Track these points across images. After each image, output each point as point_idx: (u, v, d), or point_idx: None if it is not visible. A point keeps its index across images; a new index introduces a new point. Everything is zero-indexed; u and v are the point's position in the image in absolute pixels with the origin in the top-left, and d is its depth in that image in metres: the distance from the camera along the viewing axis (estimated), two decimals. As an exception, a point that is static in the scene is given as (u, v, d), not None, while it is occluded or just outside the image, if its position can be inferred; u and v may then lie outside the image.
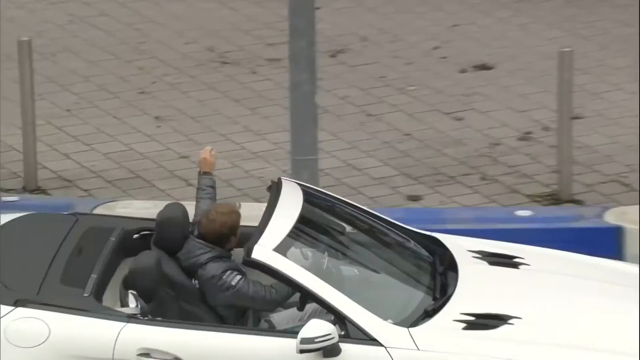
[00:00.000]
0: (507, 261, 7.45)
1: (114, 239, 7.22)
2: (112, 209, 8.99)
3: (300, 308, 6.83)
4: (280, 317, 6.99)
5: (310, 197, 7.25)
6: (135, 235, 7.38)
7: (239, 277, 6.85)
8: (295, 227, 6.91)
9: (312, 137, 9.27)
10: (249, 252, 6.62)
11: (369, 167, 11.06)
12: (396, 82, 12.56)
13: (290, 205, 7.03)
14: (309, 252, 7.01)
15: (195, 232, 7.08)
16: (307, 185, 7.66)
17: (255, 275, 6.86)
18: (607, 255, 8.22)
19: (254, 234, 6.75)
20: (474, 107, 12.00)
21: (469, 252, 7.40)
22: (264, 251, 6.63)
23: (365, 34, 13.61)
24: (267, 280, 6.84)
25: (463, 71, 12.68)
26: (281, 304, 6.94)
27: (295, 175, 8.97)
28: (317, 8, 9.53)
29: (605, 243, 8.80)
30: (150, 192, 10.58)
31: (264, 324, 6.96)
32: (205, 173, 7.51)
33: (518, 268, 7.39)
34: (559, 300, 7.12)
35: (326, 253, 7.04)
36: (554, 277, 7.41)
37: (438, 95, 12.27)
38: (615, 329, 6.84)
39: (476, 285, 7.04)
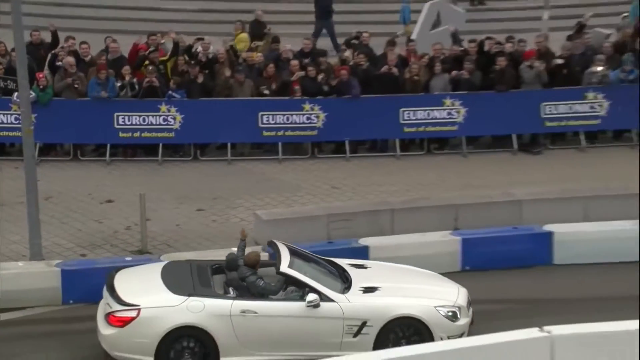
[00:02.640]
0: (362, 266, 12.03)
1: (209, 268, 11.50)
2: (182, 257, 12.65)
3: (299, 292, 11.07)
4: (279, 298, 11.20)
5: (290, 247, 11.68)
6: (215, 266, 11.56)
7: (262, 281, 11.15)
8: (290, 258, 11.42)
9: None
10: (278, 268, 11.16)
11: None
12: None
13: (284, 251, 11.52)
14: (300, 267, 11.30)
15: (241, 262, 11.32)
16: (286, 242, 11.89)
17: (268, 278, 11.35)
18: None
19: (277, 262, 11.30)
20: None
21: (346, 264, 11.90)
22: (284, 267, 11.22)
23: None
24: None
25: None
26: (276, 292, 11.10)
27: None
28: None
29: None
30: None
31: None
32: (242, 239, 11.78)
33: (367, 269, 11.99)
34: (393, 279, 11.84)
35: (305, 268, 11.34)
36: (386, 272, 12.10)
37: None
38: (427, 290, 11.55)
39: (357, 276, 11.59)
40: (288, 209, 14.58)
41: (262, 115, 16.60)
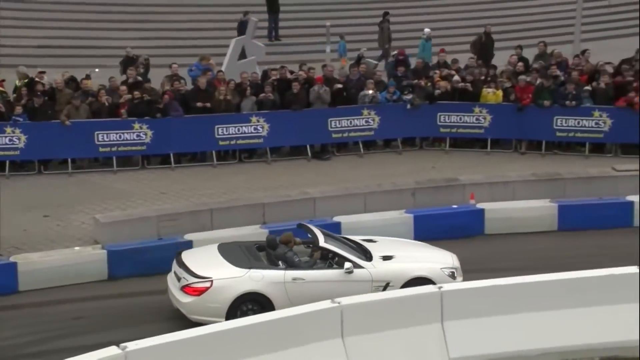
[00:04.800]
0: (372, 240, 12.29)
1: (254, 247, 11.83)
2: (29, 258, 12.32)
3: (338, 263, 11.55)
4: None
5: (319, 228, 12.09)
6: (257, 245, 11.92)
7: (296, 257, 11.60)
8: (324, 236, 11.87)
9: None
10: (317, 243, 11.69)
11: None
12: None
13: (317, 231, 11.93)
14: (332, 242, 11.82)
15: (278, 241, 11.71)
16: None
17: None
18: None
19: (314, 240, 11.76)
20: None
21: (360, 239, 12.21)
22: (322, 243, 11.68)
23: None
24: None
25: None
26: (311, 265, 11.58)
27: None
28: None
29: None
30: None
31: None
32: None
33: (377, 242, 12.27)
34: (401, 249, 12.18)
35: (335, 243, 11.83)
36: (392, 243, 12.41)
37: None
38: (430, 256, 12.07)
39: (373, 248, 11.96)
40: (122, 212, 14.24)
41: (98, 134, 16.19)
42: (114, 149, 16.37)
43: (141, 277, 12.50)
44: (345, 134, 17.36)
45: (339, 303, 9.60)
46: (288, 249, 11.64)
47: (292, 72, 17.73)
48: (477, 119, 17.34)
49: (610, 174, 15.64)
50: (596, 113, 16.84)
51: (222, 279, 11.16)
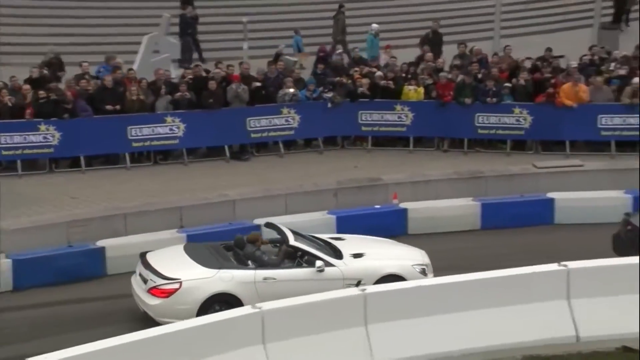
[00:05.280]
0: (340, 238, 12.57)
1: (221, 247, 11.92)
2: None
3: (308, 262, 11.67)
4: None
5: (287, 227, 12.19)
6: (225, 245, 12.01)
7: (265, 256, 11.66)
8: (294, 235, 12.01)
9: None
10: (287, 242, 11.80)
11: None
12: None
13: (285, 229, 12.07)
14: (302, 241, 11.98)
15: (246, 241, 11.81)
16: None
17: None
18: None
19: (284, 238, 11.90)
20: None
21: (328, 238, 12.50)
22: (292, 242, 11.81)
23: None
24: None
25: None
26: (278, 264, 11.64)
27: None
28: None
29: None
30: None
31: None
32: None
33: (345, 240, 12.49)
34: (370, 247, 12.35)
35: (305, 241, 11.99)
36: (361, 241, 12.61)
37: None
38: (400, 253, 12.29)
39: (342, 246, 12.16)
40: (29, 219, 13.81)
41: (0, 136, 15.67)
42: (19, 151, 15.85)
43: (49, 286, 12.15)
44: (265, 134, 17.27)
45: (259, 308, 9.53)
46: (256, 248, 11.70)
47: (207, 72, 17.54)
48: (399, 117, 17.50)
49: (531, 171, 16.01)
50: (516, 110, 17.21)
51: (192, 280, 11.14)
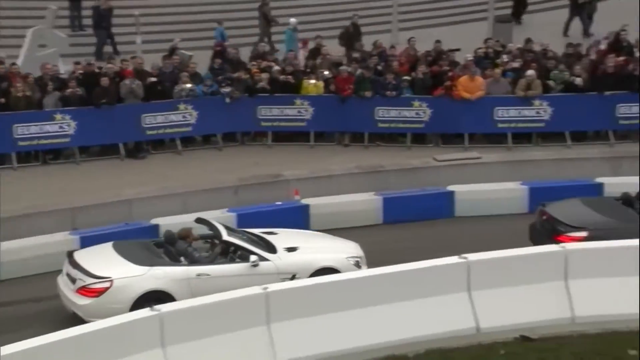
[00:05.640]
0: (273, 232, 12.59)
1: (151, 243, 12.01)
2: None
3: (241, 257, 11.73)
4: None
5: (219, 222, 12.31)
6: (155, 242, 12.14)
7: (197, 252, 11.69)
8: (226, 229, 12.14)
9: None
10: (220, 237, 11.90)
11: None
12: None
13: (217, 224, 12.20)
14: (235, 236, 12.06)
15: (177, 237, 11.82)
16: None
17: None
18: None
19: (217, 234, 11.98)
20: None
21: (260, 232, 12.53)
22: (226, 236, 11.90)
23: None
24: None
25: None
26: (212, 260, 11.70)
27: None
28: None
29: None
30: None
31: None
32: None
33: (278, 234, 12.56)
34: (304, 240, 12.53)
35: (238, 236, 12.09)
36: (294, 235, 12.76)
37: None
38: (334, 246, 12.47)
39: (276, 241, 12.29)
40: None
41: None
42: None
43: None
44: (161, 131, 17.04)
45: (158, 311, 9.43)
46: (188, 244, 11.70)
47: (100, 68, 17.19)
48: (298, 112, 17.57)
49: (432, 164, 16.36)
50: (416, 103, 17.54)
51: (123, 278, 11.05)
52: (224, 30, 21.13)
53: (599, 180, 15.21)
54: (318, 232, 13.30)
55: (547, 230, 12.64)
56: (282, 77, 17.59)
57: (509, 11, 23.93)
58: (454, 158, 16.46)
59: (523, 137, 17.60)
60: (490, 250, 10.83)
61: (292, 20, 20.98)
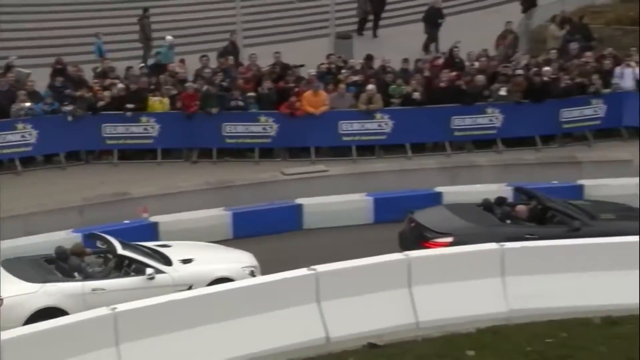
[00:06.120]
0: (166, 245, 12.73)
1: (42, 260, 11.79)
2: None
3: (136, 270, 11.69)
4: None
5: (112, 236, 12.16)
6: (45, 258, 11.83)
7: (90, 267, 11.60)
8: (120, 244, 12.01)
9: None
10: (115, 251, 11.76)
11: None
12: None
13: (111, 238, 12.03)
14: (129, 249, 11.97)
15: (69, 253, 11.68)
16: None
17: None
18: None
19: (111, 248, 11.84)
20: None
21: (153, 245, 12.57)
22: (121, 250, 11.87)
23: None
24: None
25: None
26: (106, 276, 11.60)
27: None
28: None
29: None
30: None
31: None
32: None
33: (172, 247, 12.62)
34: (198, 252, 12.58)
35: (132, 249, 12.02)
36: (187, 247, 12.77)
37: None
38: (228, 256, 12.62)
39: (170, 253, 12.24)
40: None
41: None
42: None
43: None
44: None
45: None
46: (81, 260, 11.44)
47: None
48: (145, 129, 17.23)
49: (280, 178, 16.44)
50: (262, 118, 17.60)
51: (13, 297, 10.61)
52: (102, 44, 20.58)
53: (438, 189, 15.74)
54: (212, 244, 13.35)
55: (415, 237, 12.99)
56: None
57: (349, 28, 24.48)
58: (302, 172, 16.62)
59: (367, 149, 18.00)
60: (338, 261, 10.96)
61: (169, 37, 20.75)
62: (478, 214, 13.36)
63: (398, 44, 22.91)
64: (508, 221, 13.18)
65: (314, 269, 10.78)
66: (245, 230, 14.88)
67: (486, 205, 13.59)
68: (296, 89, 17.91)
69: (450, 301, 10.85)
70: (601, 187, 15.24)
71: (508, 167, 16.78)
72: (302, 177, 16.45)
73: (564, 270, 11.18)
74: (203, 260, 12.24)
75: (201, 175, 16.65)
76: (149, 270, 11.64)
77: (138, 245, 12.41)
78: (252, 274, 12.19)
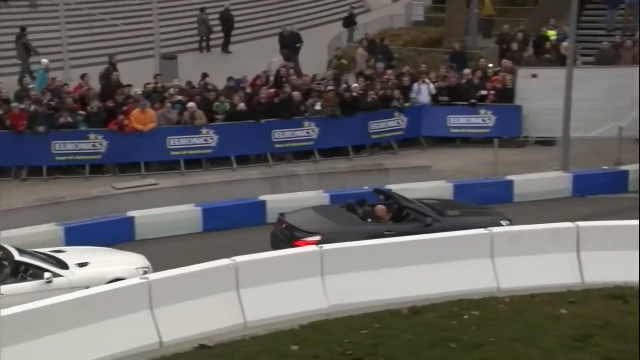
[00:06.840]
0: (61, 250, 12.74)
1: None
2: None
3: (33, 275, 11.77)
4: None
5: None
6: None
7: None
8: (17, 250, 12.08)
9: None
10: (12, 258, 11.77)
11: None
12: None
13: (7, 245, 11.97)
14: (26, 255, 12.06)
15: None
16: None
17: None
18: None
19: (8, 255, 11.72)
20: None
21: (48, 251, 12.69)
22: (18, 257, 11.88)
23: None
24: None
25: None
26: (1, 282, 11.46)
27: None
28: None
29: None
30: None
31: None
32: None
33: (66, 252, 12.81)
34: (93, 255, 12.85)
35: (29, 255, 12.12)
36: (81, 252, 13.00)
37: None
38: (122, 259, 12.84)
39: (66, 257, 12.40)
40: None
41: None
42: None
43: None
44: None
45: None
46: None
47: None
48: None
49: (111, 193, 16.57)
50: (92, 136, 17.73)
51: None
52: None
53: (262, 198, 16.44)
54: (104, 248, 13.49)
55: (286, 237, 13.44)
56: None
57: (174, 49, 24.86)
58: (132, 185, 16.82)
59: (194, 162, 18.47)
60: (170, 269, 11.29)
61: (44, 60, 20.32)
62: (342, 215, 13.92)
63: (250, 60, 23.46)
64: (369, 220, 13.84)
65: (146, 278, 11.08)
66: (79, 244, 14.90)
67: (349, 206, 14.20)
68: (126, 108, 18.10)
69: (276, 301, 11.34)
70: (406, 190, 16.40)
71: (324, 175, 17.78)
72: (132, 191, 16.65)
73: (380, 267, 11.88)
74: (98, 263, 12.50)
75: (31, 192, 16.49)
76: (46, 275, 11.80)
77: (34, 251, 12.54)
78: (145, 274, 12.20)
